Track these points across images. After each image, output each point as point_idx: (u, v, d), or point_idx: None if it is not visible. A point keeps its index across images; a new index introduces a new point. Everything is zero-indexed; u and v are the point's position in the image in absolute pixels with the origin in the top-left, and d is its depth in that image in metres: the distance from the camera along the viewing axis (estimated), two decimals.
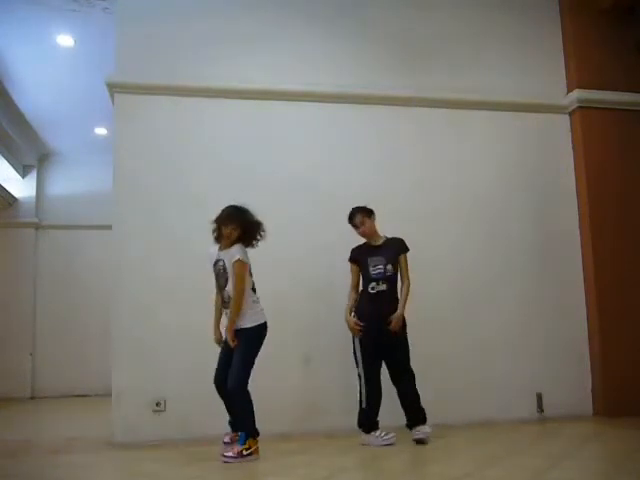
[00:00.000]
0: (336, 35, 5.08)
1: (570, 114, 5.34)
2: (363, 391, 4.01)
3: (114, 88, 4.65)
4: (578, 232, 5.20)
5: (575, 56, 5.33)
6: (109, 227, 4.63)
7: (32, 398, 8.29)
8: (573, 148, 5.30)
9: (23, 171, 8.83)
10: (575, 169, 5.28)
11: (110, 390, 4.34)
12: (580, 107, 5.23)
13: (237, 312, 3.69)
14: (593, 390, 4.98)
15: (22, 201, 8.78)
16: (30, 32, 5.77)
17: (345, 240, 4.74)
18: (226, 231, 3.77)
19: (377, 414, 4.00)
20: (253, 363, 3.68)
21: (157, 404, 4.32)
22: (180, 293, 4.45)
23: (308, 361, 4.53)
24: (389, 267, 4.08)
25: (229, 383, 3.62)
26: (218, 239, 3.86)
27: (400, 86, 5.06)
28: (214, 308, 3.91)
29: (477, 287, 4.97)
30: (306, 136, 4.90)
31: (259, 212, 4.64)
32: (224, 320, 3.85)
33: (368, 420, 3.98)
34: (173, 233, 4.56)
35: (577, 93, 5.22)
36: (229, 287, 3.75)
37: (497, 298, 4.98)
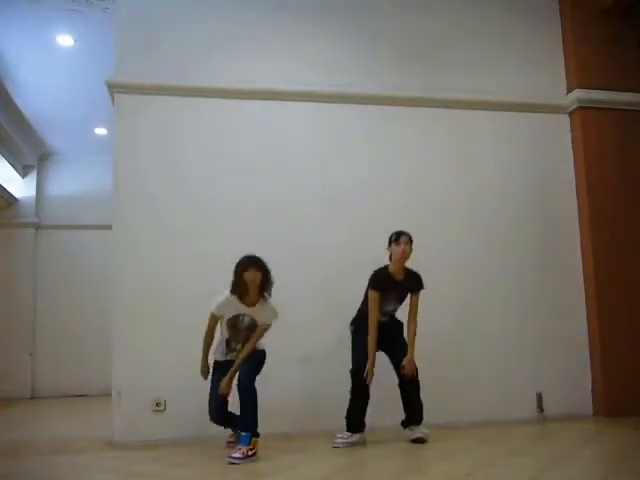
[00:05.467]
0: (337, 36, 5.08)
1: (570, 114, 5.34)
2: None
3: (114, 88, 4.65)
4: (578, 232, 5.20)
5: (575, 56, 5.33)
6: (109, 227, 4.63)
7: (32, 398, 8.29)
8: (573, 148, 5.30)
9: (23, 171, 8.84)
10: (575, 169, 5.28)
11: (110, 390, 4.34)
12: (580, 107, 5.23)
13: (246, 355, 3.80)
14: (593, 390, 4.98)
15: (22, 201, 8.79)
16: (30, 32, 5.78)
17: (344, 240, 4.75)
18: (257, 276, 3.78)
19: (361, 414, 4.00)
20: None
21: (157, 404, 4.32)
22: (180, 293, 4.45)
23: (308, 361, 4.52)
24: (398, 305, 4.10)
25: (244, 378, 3.66)
26: (242, 292, 3.81)
27: (400, 87, 5.06)
28: (203, 348, 3.90)
29: (476, 288, 4.97)
30: (306, 136, 4.90)
31: (258, 212, 4.69)
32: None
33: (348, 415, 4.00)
34: (173, 233, 4.56)
35: (577, 93, 5.22)
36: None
37: (496, 298, 4.98)
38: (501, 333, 4.94)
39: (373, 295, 3.99)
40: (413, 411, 4.02)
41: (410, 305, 4.09)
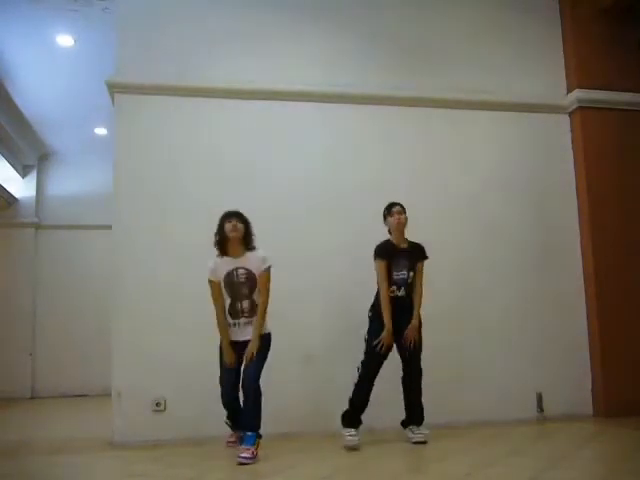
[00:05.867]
0: (337, 35, 5.08)
1: (570, 114, 5.34)
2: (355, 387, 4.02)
3: (114, 88, 4.65)
4: (578, 232, 5.20)
5: (575, 56, 5.33)
6: (109, 227, 4.63)
7: (32, 398, 8.29)
8: (573, 148, 5.30)
9: (23, 171, 8.83)
10: (575, 169, 5.28)
11: (110, 390, 4.34)
12: (580, 107, 5.23)
13: (264, 317, 3.79)
14: (593, 390, 4.98)
15: (22, 201, 8.78)
16: (30, 32, 5.78)
17: (344, 240, 4.76)
18: (237, 225, 3.79)
19: (361, 413, 3.99)
20: None
21: (157, 404, 4.32)
22: (180, 292, 4.45)
23: (308, 361, 4.53)
24: (411, 274, 4.12)
25: (249, 380, 3.63)
26: (224, 247, 3.84)
27: (400, 86, 5.06)
28: (219, 328, 3.83)
29: (476, 288, 4.97)
30: (306, 136, 4.90)
31: (258, 212, 4.66)
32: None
33: (348, 415, 3.99)
34: (173, 232, 4.56)
35: (577, 93, 5.22)
36: (255, 295, 3.82)
37: (496, 298, 4.98)
38: (501, 333, 4.94)
39: (379, 264, 4.07)
40: (414, 411, 4.02)
41: (415, 272, 4.15)
